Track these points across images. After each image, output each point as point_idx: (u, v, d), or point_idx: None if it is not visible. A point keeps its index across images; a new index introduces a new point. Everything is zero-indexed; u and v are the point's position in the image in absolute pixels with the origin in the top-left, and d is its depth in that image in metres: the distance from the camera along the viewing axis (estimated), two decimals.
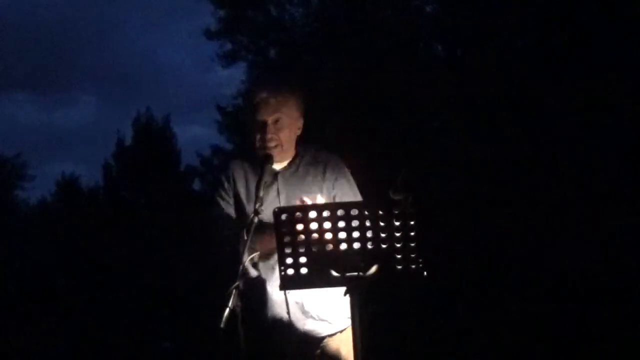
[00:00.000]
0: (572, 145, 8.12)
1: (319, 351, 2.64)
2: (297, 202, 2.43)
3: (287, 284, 2.16)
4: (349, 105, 11.07)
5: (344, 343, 2.62)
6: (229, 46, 15.33)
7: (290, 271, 2.13)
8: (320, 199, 2.49)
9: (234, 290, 2.22)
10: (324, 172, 2.68)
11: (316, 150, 2.74)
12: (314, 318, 2.62)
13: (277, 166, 2.67)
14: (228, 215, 2.69)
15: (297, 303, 2.59)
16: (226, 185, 2.71)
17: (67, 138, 45.98)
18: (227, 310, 2.17)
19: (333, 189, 2.66)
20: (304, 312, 2.61)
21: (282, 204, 2.59)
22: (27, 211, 28.04)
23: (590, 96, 8.02)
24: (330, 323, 2.65)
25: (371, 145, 10.12)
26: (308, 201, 2.40)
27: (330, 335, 2.65)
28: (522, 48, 9.43)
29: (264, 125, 2.61)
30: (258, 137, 2.62)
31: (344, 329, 2.64)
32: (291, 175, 2.67)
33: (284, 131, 2.63)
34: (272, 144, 2.61)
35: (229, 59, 15.42)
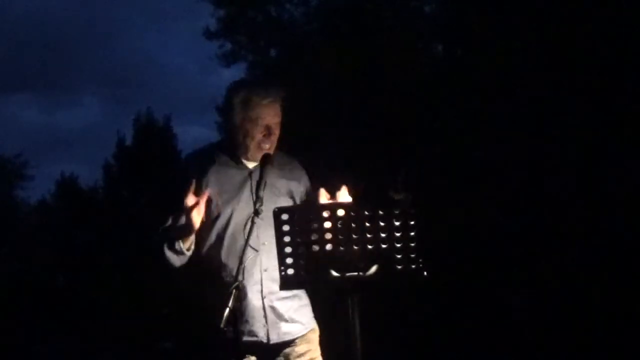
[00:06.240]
0: (573, 145, 8.12)
1: (288, 349, 2.69)
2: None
3: (287, 284, 2.17)
4: (348, 105, 11.07)
5: (312, 342, 2.74)
6: (228, 46, 15.31)
7: (290, 271, 2.14)
8: (288, 202, 2.62)
9: (234, 291, 2.24)
10: (291, 173, 2.76)
11: (281, 152, 2.77)
12: (286, 320, 2.68)
13: (251, 165, 2.68)
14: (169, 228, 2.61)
15: (272, 308, 2.64)
16: (194, 181, 2.54)
17: (68, 139, 46.07)
18: (227, 310, 2.19)
19: (300, 189, 2.75)
20: (279, 316, 2.66)
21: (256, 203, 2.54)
22: (27, 211, 28.05)
23: (591, 95, 8.02)
24: (302, 324, 2.72)
25: (370, 144, 10.12)
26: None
27: (302, 336, 2.72)
28: (522, 48, 9.42)
29: (268, 129, 2.63)
30: (259, 138, 2.63)
31: (312, 329, 2.76)
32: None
33: (277, 135, 2.68)
34: (269, 147, 2.65)
35: (228, 59, 15.40)
